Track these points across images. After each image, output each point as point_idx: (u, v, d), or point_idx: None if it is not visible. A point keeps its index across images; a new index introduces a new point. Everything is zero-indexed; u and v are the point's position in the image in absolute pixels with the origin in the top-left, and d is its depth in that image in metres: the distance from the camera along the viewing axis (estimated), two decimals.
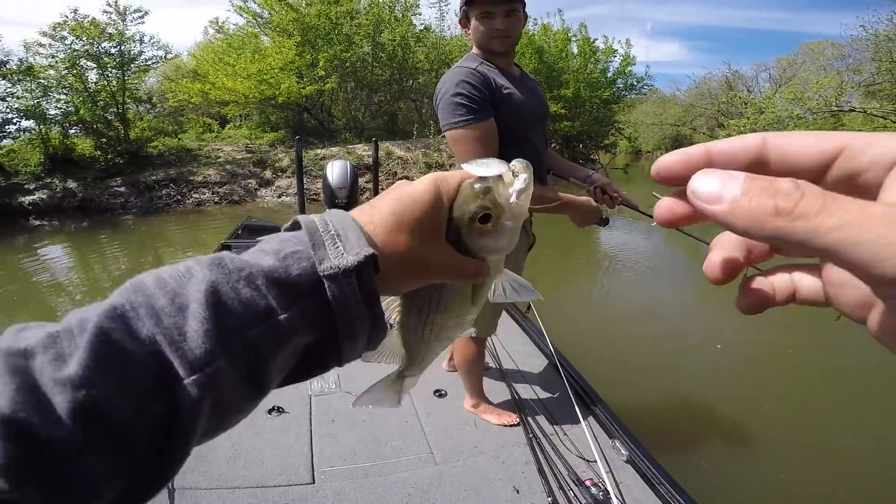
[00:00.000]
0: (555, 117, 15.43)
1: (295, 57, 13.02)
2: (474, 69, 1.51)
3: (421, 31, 15.64)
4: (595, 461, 1.59)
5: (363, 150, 12.45)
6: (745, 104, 20.88)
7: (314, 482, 1.60)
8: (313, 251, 0.29)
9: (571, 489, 1.55)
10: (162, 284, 0.26)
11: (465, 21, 1.62)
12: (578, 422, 1.74)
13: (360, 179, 5.07)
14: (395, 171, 12.35)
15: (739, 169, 0.20)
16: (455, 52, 15.42)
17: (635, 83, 19.94)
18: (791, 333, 3.71)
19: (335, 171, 4.51)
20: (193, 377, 0.25)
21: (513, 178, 0.34)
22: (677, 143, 30.81)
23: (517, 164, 0.34)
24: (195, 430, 0.26)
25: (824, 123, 16.75)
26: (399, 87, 15.76)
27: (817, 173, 0.20)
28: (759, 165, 0.21)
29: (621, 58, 18.98)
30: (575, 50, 18.19)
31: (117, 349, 0.24)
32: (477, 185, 0.34)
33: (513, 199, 0.34)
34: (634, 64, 19.21)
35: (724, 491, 2.21)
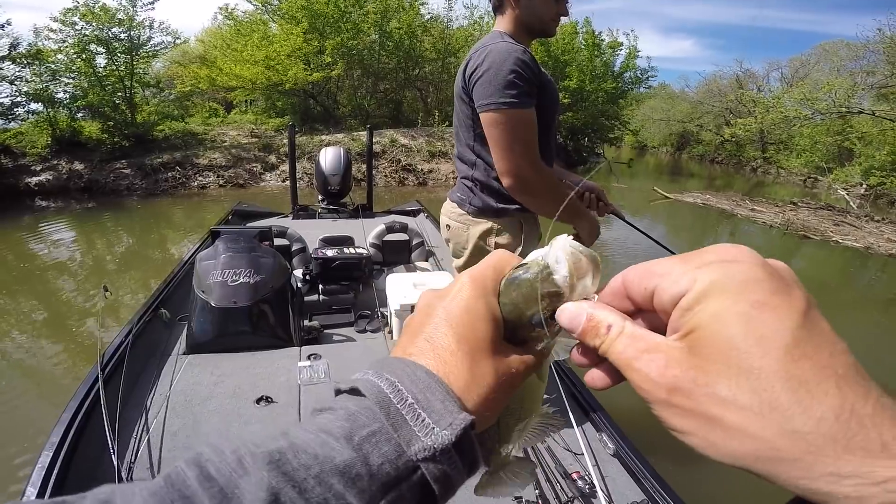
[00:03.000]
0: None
1: (302, 44, 12.94)
2: (526, 49, 1.37)
3: (428, 20, 15.52)
4: (582, 454, 1.61)
5: None
6: (754, 103, 20.70)
7: None
8: (394, 431, 0.24)
9: (559, 482, 1.55)
10: (207, 482, 0.21)
11: None
12: (567, 415, 1.77)
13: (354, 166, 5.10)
14: (399, 159, 12.36)
15: (622, 300, 0.27)
16: (461, 43, 15.31)
17: (640, 75, 19.80)
18: None
19: (328, 157, 4.51)
20: None
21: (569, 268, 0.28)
22: (683, 139, 30.64)
23: (583, 257, 0.28)
24: None
25: (832, 124, 16.62)
26: (405, 75, 15.65)
27: (652, 303, 0.25)
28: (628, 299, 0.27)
29: (628, 50, 18.82)
30: (582, 44, 18.03)
31: None
32: (539, 285, 0.28)
33: (584, 291, 0.28)
34: (638, 56, 19.04)
35: (707, 486, 2.25)
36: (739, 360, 0.20)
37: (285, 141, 12.35)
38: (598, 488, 1.48)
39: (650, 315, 0.26)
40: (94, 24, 10.98)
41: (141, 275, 5.37)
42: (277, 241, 2.89)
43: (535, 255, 0.30)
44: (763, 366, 0.20)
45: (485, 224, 1.53)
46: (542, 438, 0.36)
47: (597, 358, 0.28)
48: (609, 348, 0.25)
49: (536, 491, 1.53)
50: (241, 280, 2.13)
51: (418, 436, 0.24)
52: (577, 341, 0.30)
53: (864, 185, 13.97)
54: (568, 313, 0.28)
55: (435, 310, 0.29)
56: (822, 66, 22.47)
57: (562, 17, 1.47)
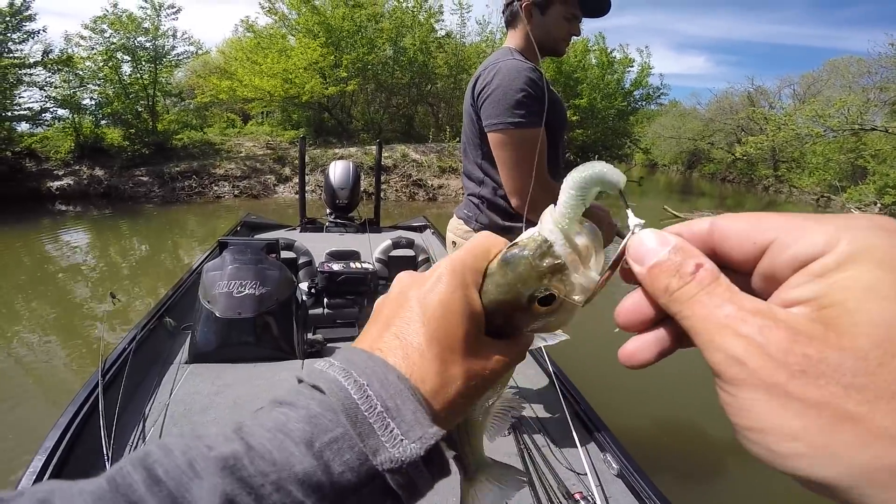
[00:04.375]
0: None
1: (319, 58, 13.22)
2: (535, 68, 1.36)
3: (442, 37, 15.76)
4: (585, 474, 1.58)
5: None
6: (766, 120, 20.61)
7: None
8: (360, 440, 0.23)
9: (561, 502, 1.54)
10: (155, 486, 0.20)
11: (533, 10, 1.41)
12: (570, 434, 1.74)
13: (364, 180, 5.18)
14: (410, 174, 12.46)
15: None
16: (473, 59, 15.51)
17: (651, 93, 19.83)
18: None
19: (337, 171, 4.58)
20: None
21: (577, 241, 0.26)
22: (694, 157, 30.50)
23: (583, 228, 0.26)
24: None
25: (844, 142, 16.45)
26: (418, 91, 15.89)
27: (754, 262, 0.20)
28: (713, 250, 0.22)
29: (640, 66, 18.88)
30: (594, 61, 18.14)
31: None
32: (540, 260, 0.26)
33: (590, 273, 0.26)
34: (651, 73, 19.09)
35: None
36: None
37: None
38: None
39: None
40: (121, 32, 11.40)
41: (152, 281, 5.46)
42: (284, 254, 2.92)
43: (528, 234, 0.28)
44: None
45: None
46: (505, 424, 0.34)
47: (652, 314, 0.23)
48: (693, 297, 0.19)
49: None
50: (247, 291, 2.15)
51: (385, 446, 0.23)
52: (563, 335, 0.28)
53: (879, 204, 13.76)
54: (645, 243, 0.22)
55: (408, 301, 0.27)
56: (834, 83, 22.35)
57: (573, 37, 1.49)
